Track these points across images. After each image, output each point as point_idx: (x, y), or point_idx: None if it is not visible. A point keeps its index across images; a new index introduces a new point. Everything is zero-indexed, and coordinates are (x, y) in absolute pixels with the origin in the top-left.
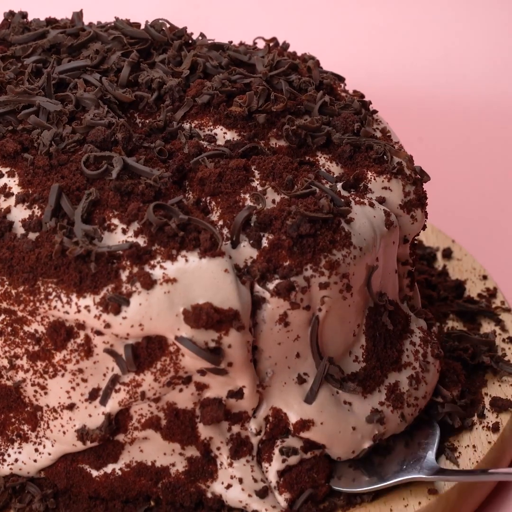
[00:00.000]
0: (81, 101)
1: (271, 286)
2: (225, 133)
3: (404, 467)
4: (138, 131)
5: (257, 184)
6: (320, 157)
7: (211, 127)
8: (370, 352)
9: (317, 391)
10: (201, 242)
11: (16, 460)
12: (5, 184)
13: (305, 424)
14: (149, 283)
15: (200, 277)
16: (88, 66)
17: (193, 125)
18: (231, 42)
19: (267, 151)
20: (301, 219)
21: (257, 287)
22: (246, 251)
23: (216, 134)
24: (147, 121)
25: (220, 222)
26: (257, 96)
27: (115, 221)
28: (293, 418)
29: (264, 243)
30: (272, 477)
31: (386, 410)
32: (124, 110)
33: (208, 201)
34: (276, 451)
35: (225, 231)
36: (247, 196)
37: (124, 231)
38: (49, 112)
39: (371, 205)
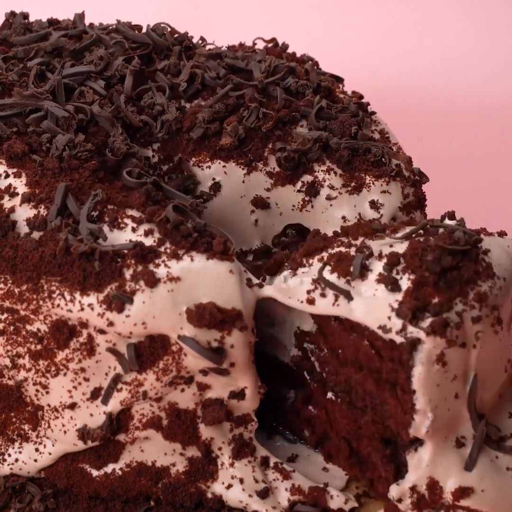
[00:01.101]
0: (97, 117)
1: (424, 324)
2: (224, 166)
3: None
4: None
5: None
6: (318, 172)
7: (209, 164)
8: None
9: (477, 457)
10: (213, 246)
11: (17, 460)
12: (10, 184)
13: (464, 491)
14: (153, 282)
15: (205, 276)
16: (92, 72)
17: (191, 162)
18: (231, 46)
19: None
20: (441, 253)
21: (410, 328)
22: (384, 298)
23: (215, 178)
24: (153, 156)
25: (334, 276)
26: (247, 116)
27: (127, 220)
28: (452, 486)
29: (405, 284)
30: None
31: None
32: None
33: (306, 261)
34: None
35: (342, 282)
36: (352, 250)
37: (134, 230)
38: (57, 117)
39: (500, 235)
